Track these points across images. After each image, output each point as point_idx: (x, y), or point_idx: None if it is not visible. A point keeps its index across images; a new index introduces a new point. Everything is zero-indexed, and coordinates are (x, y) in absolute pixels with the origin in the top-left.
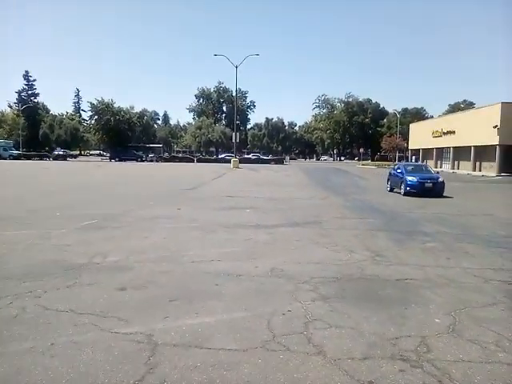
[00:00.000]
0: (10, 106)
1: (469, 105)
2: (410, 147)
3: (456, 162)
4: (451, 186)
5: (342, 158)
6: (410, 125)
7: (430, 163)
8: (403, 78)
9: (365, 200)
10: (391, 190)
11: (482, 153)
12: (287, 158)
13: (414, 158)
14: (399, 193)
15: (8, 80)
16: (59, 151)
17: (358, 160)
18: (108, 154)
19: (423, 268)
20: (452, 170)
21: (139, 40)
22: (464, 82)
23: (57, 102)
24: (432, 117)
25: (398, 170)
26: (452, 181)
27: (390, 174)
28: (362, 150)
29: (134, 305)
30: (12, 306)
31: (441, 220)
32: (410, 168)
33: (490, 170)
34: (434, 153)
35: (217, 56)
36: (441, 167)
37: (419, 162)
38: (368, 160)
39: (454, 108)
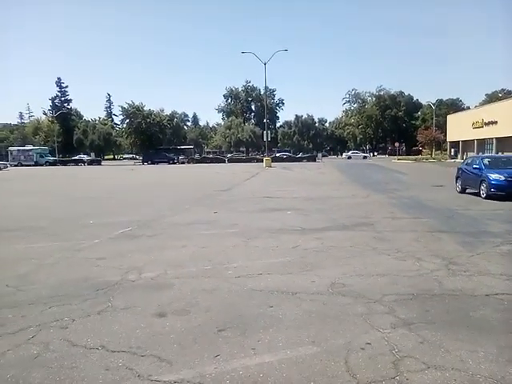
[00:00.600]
0: (45, 113)
1: (507, 93)
2: (448, 139)
3: (500, 154)
4: None
5: (375, 154)
6: (448, 116)
7: (471, 155)
8: (436, 69)
9: (411, 197)
10: (463, 191)
11: None
12: (319, 155)
13: (453, 150)
14: (476, 194)
15: (42, 87)
16: (92, 156)
17: (391, 155)
18: (140, 158)
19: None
20: None
21: (165, 42)
22: (501, 70)
23: (89, 108)
24: (469, 108)
25: (475, 166)
26: None
27: (460, 170)
28: (397, 145)
29: (176, 338)
30: (34, 341)
31: (504, 217)
32: (492, 161)
33: None
34: (475, 144)
35: (244, 54)
36: None
37: (503, 154)
38: (402, 155)
39: (492, 97)
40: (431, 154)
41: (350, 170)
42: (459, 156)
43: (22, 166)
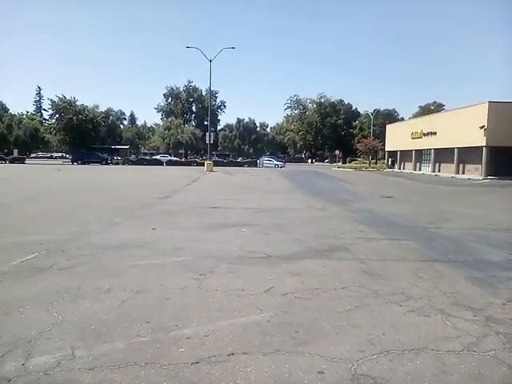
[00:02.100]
0: None
1: (438, 106)
2: (386, 149)
3: (437, 165)
4: (443, 190)
5: (313, 161)
6: (387, 126)
7: (409, 165)
8: (375, 80)
9: (370, 210)
10: None
11: (466, 155)
12: (261, 160)
13: (390, 160)
14: None
15: None
16: (15, 154)
17: (330, 162)
18: (71, 157)
19: None
20: (434, 173)
21: (103, 37)
22: (433, 83)
23: (18, 102)
24: (403, 119)
25: None
26: (441, 184)
27: None
28: (337, 152)
29: None
30: None
31: (486, 239)
32: None
33: (474, 172)
34: (413, 155)
35: (189, 49)
36: (420, 170)
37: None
38: (339, 162)
39: (424, 110)
40: (369, 163)
41: (295, 176)
42: (396, 166)
43: None
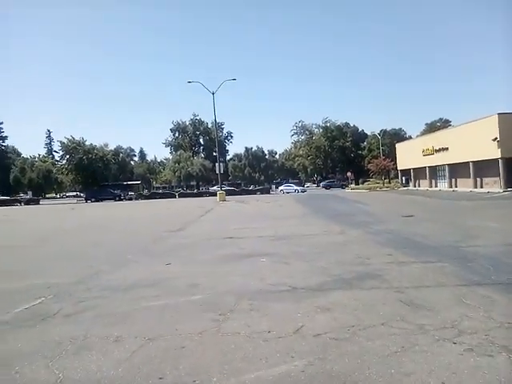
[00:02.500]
0: None
1: (445, 123)
2: (398, 168)
3: (453, 180)
4: (463, 205)
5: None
6: (396, 145)
7: (424, 182)
8: (379, 101)
9: (392, 231)
10: None
11: (482, 168)
12: (273, 186)
13: (404, 178)
14: None
15: None
16: (29, 195)
17: (343, 186)
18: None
19: None
20: (451, 189)
21: (110, 76)
22: (437, 101)
23: (28, 145)
24: (411, 137)
25: None
26: (460, 200)
27: None
28: (349, 174)
29: None
30: None
31: None
32: None
33: (493, 185)
34: (427, 172)
35: (191, 84)
36: (436, 186)
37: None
38: (351, 184)
39: (431, 127)
40: (383, 183)
41: (309, 201)
42: (411, 184)
43: None
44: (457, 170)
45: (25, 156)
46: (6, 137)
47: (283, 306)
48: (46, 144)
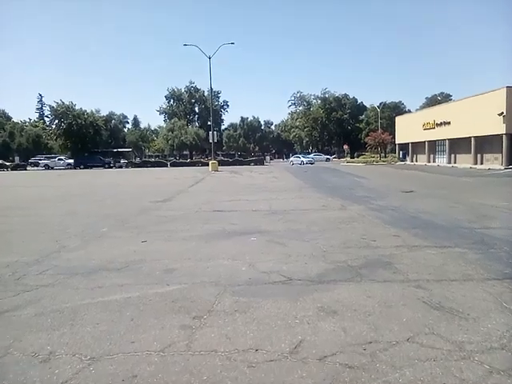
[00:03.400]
0: None
1: (446, 97)
2: (396, 141)
3: (453, 156)
4: (465, 182)
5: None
6: (396, 118)
7: (422, 157)
8: (378, 73)
9: (395, 207)
10: None
11: (483, 144)
12: (268, 158)
13: (401, 152)
14: None
15: None
16: (16, 161)
17: (338, 158)
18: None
19: None
20: (450, 165)
21: (104, 44)
22: (439, 75)
23: (21, 110)
24: (410, 111)
25: None
26: (460, 176)
27: None
28: (346, 147)
29: None
30: None
31: None
32: None
33: (494, 162)
34: (426, 146)
35: (188, 51)
36: (434, 161)
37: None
38: (346, 157)
39: (431, 101)
40: (380, 157)
41: (304, 173)
42: (408, 158)
43: None
44: (457, 146)
45: (15, 120)
46: None
47: (276, 306)
48: (38, 109)
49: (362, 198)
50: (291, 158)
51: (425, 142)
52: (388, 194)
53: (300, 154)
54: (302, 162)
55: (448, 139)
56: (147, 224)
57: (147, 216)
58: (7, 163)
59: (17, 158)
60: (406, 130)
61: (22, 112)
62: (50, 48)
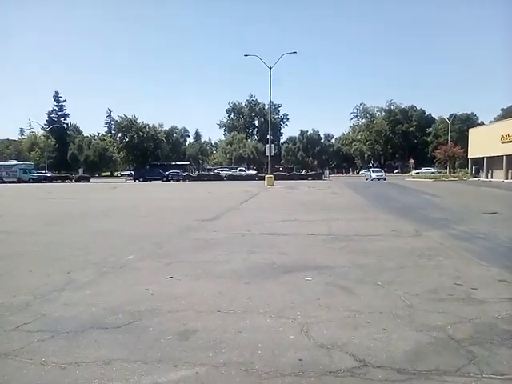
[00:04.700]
0: (43, 129)
1: None
2: (469, 156)
3: None
4: None
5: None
6: (469, 130)
7: (499, 174)
8: (448, 84)
9: (484, 234)
10: None
11: None
12: (326, 172)
13: (474, 167)
14: None
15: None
16: (80, 173)
17: (401, 173)
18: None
19: None
20: None
21: (169, 58)
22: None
23: (91, 124)
24: (483, 123)
25: None
26: None
27: None
28: (412, 161)
29: None
30: None
31: None
32: None
33: None
34: (504, 161)
35: (248, 60)
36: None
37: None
38: (409, 172)
39: (508, 112)
40: (450, 172)
41: (366, 189)
42: (482, 174)
43: (4, 182)
44: None
45: (85, 134)
46: (68, 114)
47: None
48: (106, 123)
49: (439, 220)
50: (366, 172)
51: (503, 156)
52: (468, 216)
53: (373, 167)
54: (370, 177)
55: None
56: (182, 250)
57: (186, 239)
58: (71, 175)
59: (80, 170)
60: (481, 143)
61: (93, 127)
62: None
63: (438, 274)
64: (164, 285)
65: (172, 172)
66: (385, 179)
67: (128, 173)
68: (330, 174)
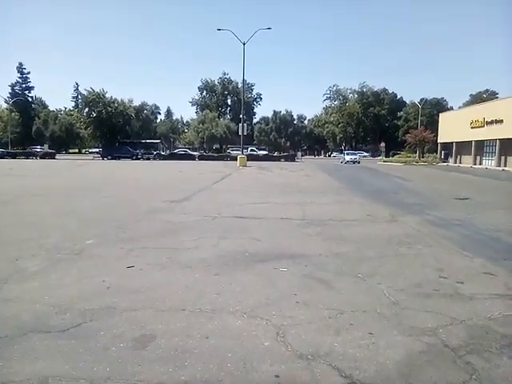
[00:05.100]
0: (6, 102)
1: (491, 94)
2: (439, 140)
3: (503, 158)
4: None
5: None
6: (440, 114)
7: (467, 159)
8: (418, 69)
9: (461, 221)
10: None
11: None
12: (299, 154)
13: (443, 152)
14: None
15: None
16: (45, 149)
17: (372, 156)
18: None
19: None
20: (500, 168)
21: (140, 34)
22: (484, 71)
23: (57, 98)
24: (452, 108)
25: None
26: None
27: None
28: (382, 145)
29: None
30: None
31: None
32: None
33: None
34: (473, 147)
35: (221, 34)
36: (481, 164)
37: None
38: (380, 156)
39: (476, 98)
40: (419, 157)
41: (339, 172)
42: (451, 159)
43: None
44: (509, 147)
45: (51, 109)
46: (32, 87)
47: None
48: (74, 97)
49: (413, 205)
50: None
51: (471, 141)
52: (441, 202)
53: (346, 150)
54: (343, 160)
55: (499, 139)
56: (148, 234)
57: (152, 221)
58: (36, 151)
59: (46, 146)
60: (451, 128)
61: (59, 101)
62: (86, 34)
63: (420, 265)
64: (123, 276)
65: (144, 151)
66: (359, 163)
67: (96, 150)
68: (302, 155)
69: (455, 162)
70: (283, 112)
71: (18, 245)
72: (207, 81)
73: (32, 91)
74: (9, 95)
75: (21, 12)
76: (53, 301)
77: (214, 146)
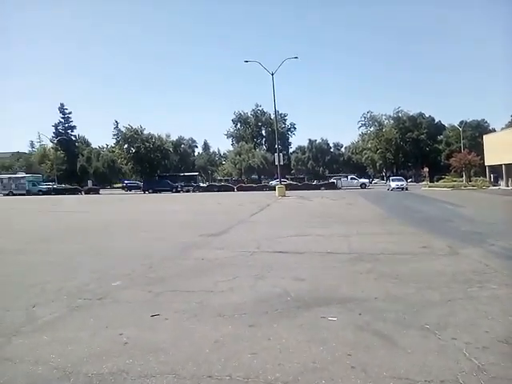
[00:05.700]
0: (51, 141)
1: None
2: (486, 163)
3: None
4: None
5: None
6: (484, 136)
7: None
8: (456, 92)
9: None
10: None
11: None
12: (339, 182)
13: (492, 176)
14: None
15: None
16: (89, 184)
17: (415, 182)
18: None
19: None
20: None
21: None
22: None
23: (99, 136)
24: (494, 129)
25: None
26: None
27: None
28: (426, 170)
29: None
30: None
31: None
32: None
33: None
34: None
35: (248, 62)
36: None
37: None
38: (423, 181)
39: None
40: (468, 181)
41: (383, 199)
42: (502, 182)
43: (14, 194)
44: None
45: (94, 146)
46: (74, 126)
47: None
48: (114, 135)
49: (471, 234)
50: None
51: None
52: (503, 230)
53: (393, 175)
54: (389, 187)
55: None
56: (179, 274)
57: (186, 259)
58: (81, 187)
59: (90, 182)
60: (498, 150)
61: (101, 138)
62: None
63: (501, 311)
64: (145, 327)
65: (183, 183)
66: (407, 189)
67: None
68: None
69: (507, 185)
70: (319, 140)
71: (40, 288)
72: (240, 113)
73: (74, 130)
74: (53, 134)
75: (66, 61)
76: (59, 361)
77: (252, 176)
